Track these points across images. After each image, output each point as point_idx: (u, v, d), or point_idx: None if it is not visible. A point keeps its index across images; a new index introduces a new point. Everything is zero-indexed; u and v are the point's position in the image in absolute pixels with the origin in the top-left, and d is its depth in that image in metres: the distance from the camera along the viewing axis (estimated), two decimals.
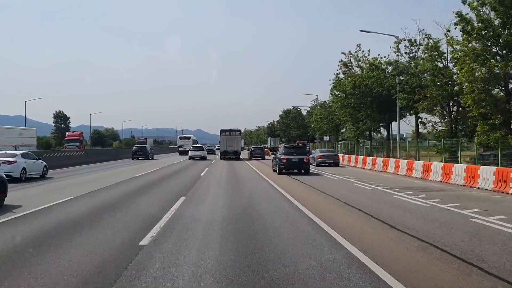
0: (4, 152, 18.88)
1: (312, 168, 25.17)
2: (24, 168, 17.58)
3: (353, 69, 38.58)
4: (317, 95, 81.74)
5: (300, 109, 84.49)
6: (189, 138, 64.31)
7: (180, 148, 60.42)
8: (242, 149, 51.23)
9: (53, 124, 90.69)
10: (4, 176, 11.67)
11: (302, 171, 22.07)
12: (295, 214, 9.55)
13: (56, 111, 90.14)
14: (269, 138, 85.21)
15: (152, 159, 43.75)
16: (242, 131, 62.05)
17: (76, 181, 18.56)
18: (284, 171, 21.84)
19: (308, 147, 46.84)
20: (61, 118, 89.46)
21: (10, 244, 6.79)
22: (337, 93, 40.82)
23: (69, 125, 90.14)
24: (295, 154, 22.34)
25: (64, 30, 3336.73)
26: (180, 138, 66.28)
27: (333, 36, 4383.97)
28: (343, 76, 39.07)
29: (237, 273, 5.01)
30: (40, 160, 19.86)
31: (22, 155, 18.21)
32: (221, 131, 42.12)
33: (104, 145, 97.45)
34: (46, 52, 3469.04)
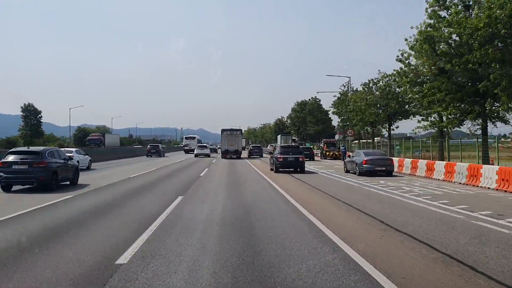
0: (62, 149, 24.12)
1: (354, 179, 18.58)
2: (78, 161, 22.83)
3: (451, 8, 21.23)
4: (349, 77, 63.48)
5: (319, 100, 70.23)
6: (193, 138, 69.64)
7: (185, 147, 65.61)
8: (243, 148, 53.42)
9: (22, 119, 73.18)
10: (77, 164, 17.02)
11: (298, 169, 22.67)
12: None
13: (24, 104, 73.91)
14: (279, 136, 68.64)
15: (164, 156, 49.24)
16: (245, 130, 65.85)
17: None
18: (280, 169, 22.56)
19: (343, 148, 41.94)
20: (30, 112, 73.49)
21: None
22: (425, 51, 21.82)
23: (41, 120, 74.79)
24: (291, 153, 23.09)
25: (64, 30, 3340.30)
26: (186, 138, 71.78)
27: (333, 36, 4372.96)
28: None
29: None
30: (87, 155, 25.18)
31: (76, 151, 23.60)
32: (222, 130, 43.18)
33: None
34: (46, 52, 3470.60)
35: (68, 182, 15.79)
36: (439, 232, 7.25)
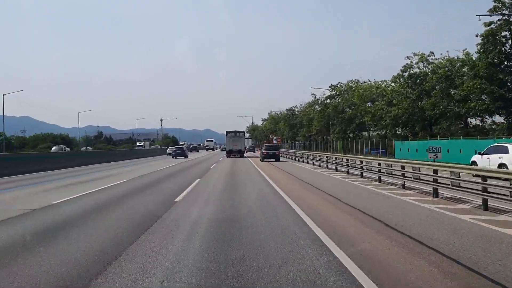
0: (177, 145, 59.20)
1: None
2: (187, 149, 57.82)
3: None
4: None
5: None
6: (212, 140, 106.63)
7: (206, 147, 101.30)
8: (245, 148, 60.42)
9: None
10: (188, 150, 53.04)
11: (277, 160, 34.58)
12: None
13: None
14: None
15: (198, 152, 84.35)
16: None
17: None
18: (264, 160, 34.28)
19: None
20: None
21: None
22: None
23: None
24: (271, 149, 36.18)
25: (71, 33, 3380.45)
26: (207, 140, 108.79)
27: (338, 36, 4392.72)
28: None
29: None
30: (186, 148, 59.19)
31: (183, 147, 58.23)
32: (227, 132, 48.35)
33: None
34: (54, 54, 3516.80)
35: (188, 156, 50.72)
36: None
